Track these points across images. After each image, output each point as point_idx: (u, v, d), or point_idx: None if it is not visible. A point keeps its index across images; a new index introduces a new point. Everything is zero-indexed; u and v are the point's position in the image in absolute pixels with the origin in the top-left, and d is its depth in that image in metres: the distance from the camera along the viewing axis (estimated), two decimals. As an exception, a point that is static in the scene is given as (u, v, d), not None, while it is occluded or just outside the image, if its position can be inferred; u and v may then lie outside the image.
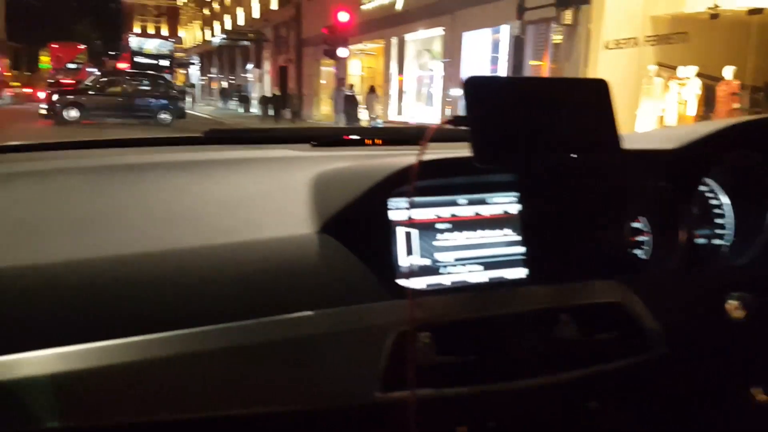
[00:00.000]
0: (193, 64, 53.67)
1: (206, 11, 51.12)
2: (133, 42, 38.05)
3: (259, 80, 32.12)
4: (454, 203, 1.17)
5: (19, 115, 20.49)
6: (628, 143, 1.10)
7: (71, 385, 0.87)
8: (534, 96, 1.05)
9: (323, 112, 28.78)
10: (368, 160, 1.30)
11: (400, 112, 22.40)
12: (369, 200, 1.09)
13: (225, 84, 45.14)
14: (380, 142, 1.62)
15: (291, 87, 29.41)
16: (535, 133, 1.03)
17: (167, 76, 37.10)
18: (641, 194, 1.32)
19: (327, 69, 27.18)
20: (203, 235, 1.04)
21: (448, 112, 18.36)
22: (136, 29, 65.86)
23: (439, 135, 1.58)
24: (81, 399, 0.88)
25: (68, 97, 19.39)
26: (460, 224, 1.17)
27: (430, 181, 1.11)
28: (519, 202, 1.22)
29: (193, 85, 51.10)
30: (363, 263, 1.05)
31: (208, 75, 50.69)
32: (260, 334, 0.96)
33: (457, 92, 17.96)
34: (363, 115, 20.48)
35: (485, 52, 17.63)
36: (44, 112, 19.03)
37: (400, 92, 22.58)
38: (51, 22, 59.56)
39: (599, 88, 1.09)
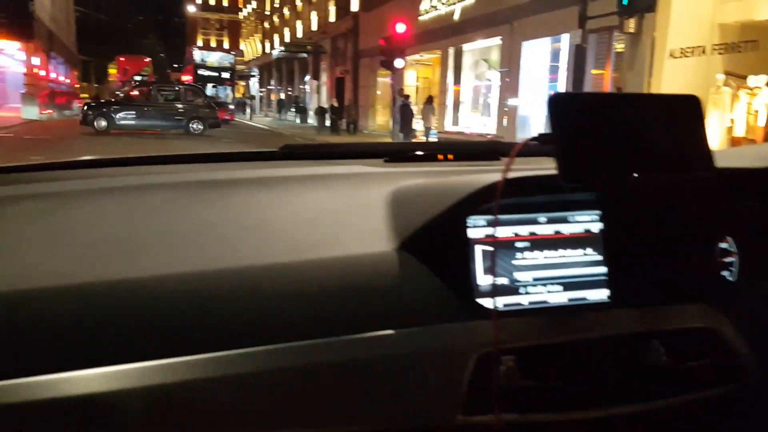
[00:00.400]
0: (253, 76, 55.03)
1: (266, 24, 52.32)
2: (197, 55, 39.32)
3: (316, 91, 32.66)
4: (533, 221, 1.14)
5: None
6: (718, 161, 1.05)
7: (160, 399, 0.89)
8: (622, 112, 1.01)
9: (378, 122, 28.95)
10: (447, 177, 1.29)
11: (456, 123, 22.31)
12: (449, 218, 1.07)
13: (282, 95, 46.06)
14: (452, 157, 1.61)
15: (347, 98, 29.75)
16: (623, 150, 0.99)
17: (228, 88, 38.32)
18: (730, 214, 1.26)
19: (383, 80, 27.33)
20: (283, 251, 1.04)
21: (505, 122, 18.16)
22: (200, 42, 67.98)
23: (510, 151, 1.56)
24: (162, 413, 0.90)
25: (98, 108, 20.64)
26: (539, 243, 1.14)
27: (511, 199, 1.09)
28: (601, 220, 1.18)
29: (253, 97, 52.41)
30: (442, 282, 1.04)
31: (267, 87, 51.81)
32: (341, 352, 0.96)
33: (515, 102, 17.76)
34: (418, 126, 20.50)
35: (544, 61, 17.38)
36: (80, 121, 20.59)
37: (457, 102, 22.52)
38: (119, 36, 62.08)
39: (690, 104, 1.05)
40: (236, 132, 26.71)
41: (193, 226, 1.08)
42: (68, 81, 45.56)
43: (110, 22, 65.06)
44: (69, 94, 38.89)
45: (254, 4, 57.97)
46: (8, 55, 35.26)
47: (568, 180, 0.97)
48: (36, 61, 35.45)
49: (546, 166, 1.07)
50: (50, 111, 32.69)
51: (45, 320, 0.89)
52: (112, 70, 46.56)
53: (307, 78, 38.72)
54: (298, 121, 37.89)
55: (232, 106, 37.81)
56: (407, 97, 20.54)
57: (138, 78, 39.30)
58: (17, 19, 30.92)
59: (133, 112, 20.44)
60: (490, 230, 1.09)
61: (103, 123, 20.13)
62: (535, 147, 1.04)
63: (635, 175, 1.01)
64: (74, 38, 52.92)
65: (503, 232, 1.12)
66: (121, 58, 43.02)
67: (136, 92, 21.77)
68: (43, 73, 36.46)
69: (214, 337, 0.93)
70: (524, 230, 1.13)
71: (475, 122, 21.35)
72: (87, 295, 0.92)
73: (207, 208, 1.14)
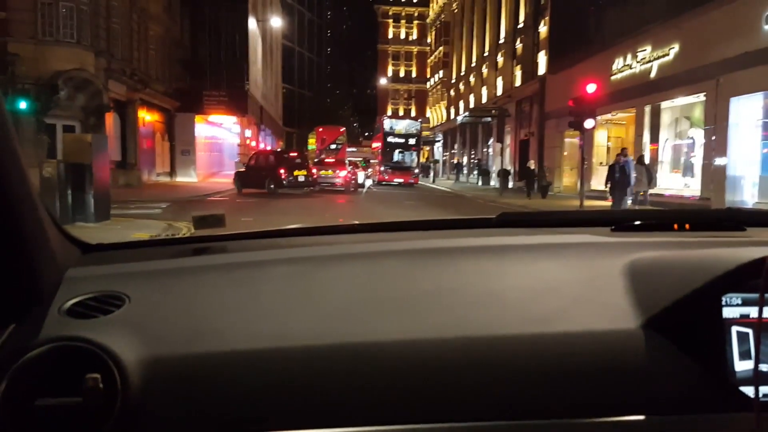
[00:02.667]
0: (438, 141, 56.87)
1: (452, 92, 54.16)
2: (386, 123, 41.42)
3: (500, 154, 32.74)
4: None
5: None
6: None
7: None
8: None
9: (565, 183, 28.18)
10: (691, 250, 1.16)
11: (654, 184, 20.89)
12: (703, 295, 0.97)
13: (462, 159, 46.87)
14: (689, 227, 1.42)
15: (533, 159, 29.34)
16: None
17: (414, 153, 39.79)
18: None
19: (570, 140, 26.70)
20: (516, 322, 1.00)
21: (711, 183, 16.62)
22: (389, 111, 72.14)
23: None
24: None
25: (237, 176, 26.16)
26: None
27: None
28: None
29: (437, 161, 54.02)
30: (695, 365, 0.95)
31: (451, 151, 53.15)
32: None
33: (723, 161, 16.24)
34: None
35: (756, 117, 15.83)
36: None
37: (654, 162, 21.15)
38: (318, 109, 68.04)
39: None
40: (418, 194, 27.57)
41: (426, 293, 1.08)
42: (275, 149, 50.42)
43: (311, 97, 71.73)
44: (274, 162, 42.99)
45: (441, 74, 60.51)
46: (226, 128, 40.22)
47: None
48: (248, 133, 40.00)
49: None
50: (258, 177, 36.51)
51: (296, 378, 0.93)
52: (312, 140, 50.66)
53: (491, 141, 39.01)
54: (480, 183, 38.17)
55: (417, 171, 39.12)
56: (624, 154, 16.59)
57: (333, 146, 42.43)
58: (235, 97, 35.30)
59: (247, 177, 25.31)
60: (746, 310, 1.00)
61: (239, 185, 25.46)
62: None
63: None
64: (281, 112, 59.10)
65: (763, 313, 0.98)
66: (320, 129, 46.63)
67: (253, 161, 26.59)
68: (253, 143, 40.91)
69: (446, 407, 0.92)
70: None
71: (676, 183, 19.91)
72: (332, 357, 0.95)
73: (437, 276, 1.13)
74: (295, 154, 28.62)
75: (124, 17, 25.87)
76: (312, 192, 24.63)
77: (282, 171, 24.74)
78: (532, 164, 26.56)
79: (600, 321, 1.00)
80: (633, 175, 16.07)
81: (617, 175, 15.94)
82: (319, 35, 78.96)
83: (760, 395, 0.94)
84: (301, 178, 25.18)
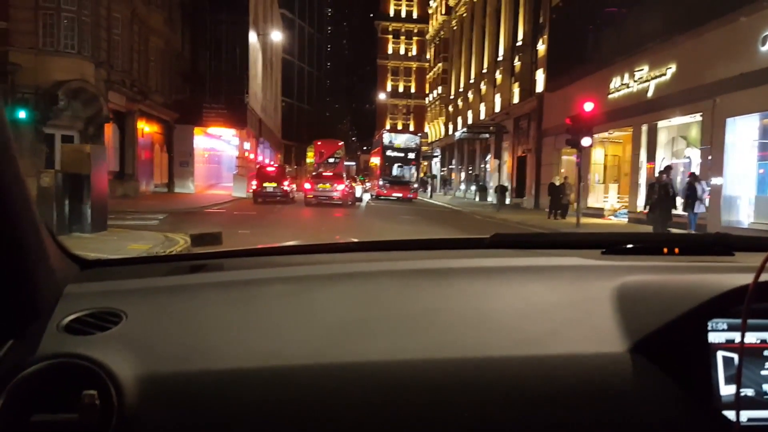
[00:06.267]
0: (435, 156, 56.96)
1: (450, 108, 54.36)
2: (386, 137, 41.41)
3: (497, 170, 32.83)
4: None
5: (285, 201, 25.43)
6: None
7: None
8: None
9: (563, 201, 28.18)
10: (680, 275, 1.19)
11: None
12: (689, 320, 0.99)
13: (462, 175, 46.96)
14: (678, 251, 1.44)
15: (529, 176, 29.36)
16: None
17: (413, 168, 39.82)
18: None
19: (567, 158, 26.77)
20: (506, 344, 1.01)
21: (707, 202, 16.67)
22: (387, 126, 72.30)
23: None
24: None
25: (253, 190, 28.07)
26: None
27: (761, 303, 0.97)
28: None
29: (434, 176, 54.10)
30: (680, 389, 0.96)
31: (449, 166, 53.24)
32: None
33: (719, 181, 16.29)
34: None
35: (752, 138, 15.90)
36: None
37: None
38: (317, 122, 68.18)
39: None
40: (416, 209, 27.57)
41: (418, 314, 1.09)
42: (273, 163, 50.52)
43: (311, 110, 71.90)
44: (272, 175, 43.02)
45: (440, 90, 60.76)
46: (225, 140, 40.24)
47: None
48: (247, 145, 40.03)
49: None
50: (256, 190, 36.56)
51: (290, 396, 0.94)
52: (310, 153, 50.63)
53: (488, 157, 39.09)
54: (477, 199, 38.23)
55: (415, 185, 39.13)
56: (666, 173, 14.32)
57: (331, 160, 42.44)
58: (234, 109, 35.37)
59: (264, 190, 26.94)
60: (732, 335, 1.02)
61: (258, 198, 27.28)
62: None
63: None
64: (280, 125, 59.19)
65: (749, 338, 1.02)
66: (318, 142, 46.47)
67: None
68: (252, 156, 40.91)
69: (436, 426, 0.92)
70: None
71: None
72: (326, 376, 0.95)
73: (430, 297, 1.14)
74: (273, 167, 30.25)
75: (125, 29, 25.96)
76: (288, 203, 26.15)
77: (254, 182, 26.48)
78: (557, 180, 23.72)
79: (588, 344, 1.01)
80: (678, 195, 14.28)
81: (657, 196, 13.64)
82: (319, 50, 79.28)
83: (742, 420, 0.96)
84: (269, 189, 26.36)
